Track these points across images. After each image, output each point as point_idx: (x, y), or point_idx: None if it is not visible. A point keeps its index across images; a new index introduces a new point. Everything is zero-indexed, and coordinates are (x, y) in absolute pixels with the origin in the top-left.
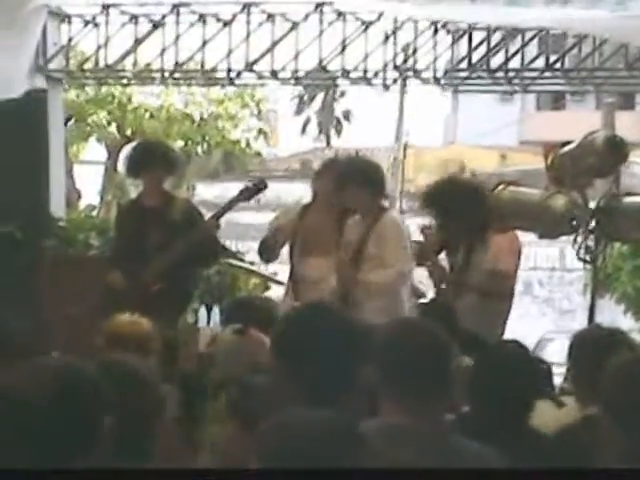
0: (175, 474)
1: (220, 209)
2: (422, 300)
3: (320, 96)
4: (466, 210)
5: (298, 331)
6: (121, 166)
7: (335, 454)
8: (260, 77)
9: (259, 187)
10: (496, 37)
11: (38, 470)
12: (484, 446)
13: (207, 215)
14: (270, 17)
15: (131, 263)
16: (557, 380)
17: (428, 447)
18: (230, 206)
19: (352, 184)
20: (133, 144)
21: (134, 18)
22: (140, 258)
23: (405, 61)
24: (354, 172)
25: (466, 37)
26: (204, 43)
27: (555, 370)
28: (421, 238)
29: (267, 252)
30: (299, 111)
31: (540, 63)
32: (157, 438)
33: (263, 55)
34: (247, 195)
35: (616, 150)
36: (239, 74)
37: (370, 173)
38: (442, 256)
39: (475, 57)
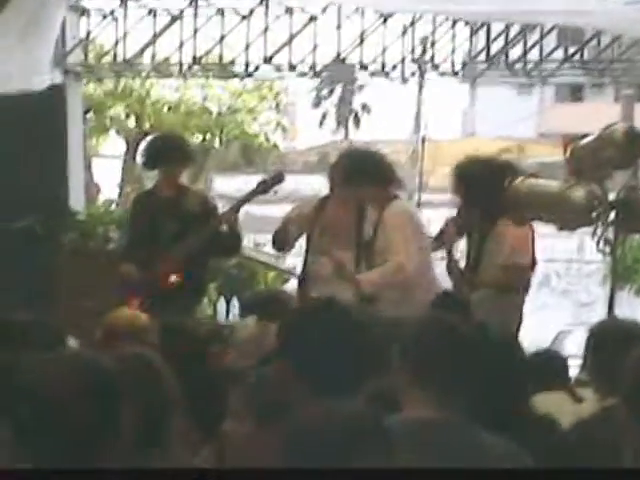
0: (175, 474)
1: (238, 201)
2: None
3: (338, 89)
4: (486, 192)
5: (304, 326)
6: (138, 158)
7: (360, 448)
8: (278, 70)
9: (276, 180)
10: (514, 29)
11: (38, 470)
12: (504, 440)
13: (225, 207)
14: (288, 10)
15: (146, 254)
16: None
17: (450, 441)
18: (248, 199)
19: (357, 178)
20: (150, 137)
21: (152, 11)
22: (155, 249)
23: (423, 54)
24: (357, 165)
25: (484, 29)
26: (222, 36)
27: (574, 363)
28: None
29: (279, 242)
30: (317, 104)
31: (559, 55)
32: (173, 432)
33: (281, 48)
34: (265, 188)
35: (635, 142)
36: (257, 67)
37: (373, 164)
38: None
39: (493, 49)
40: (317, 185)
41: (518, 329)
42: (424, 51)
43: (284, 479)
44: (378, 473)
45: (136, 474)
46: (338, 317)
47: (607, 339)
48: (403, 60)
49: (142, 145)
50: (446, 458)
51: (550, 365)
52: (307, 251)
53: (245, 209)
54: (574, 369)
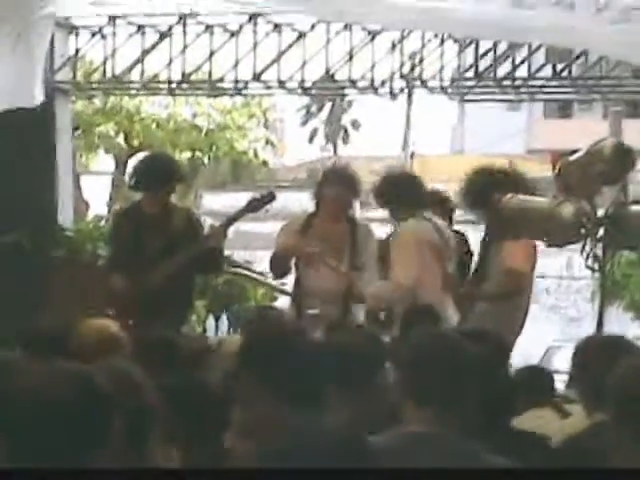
0: (175, 474)
1: (227, 219)
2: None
3: (327, 105)
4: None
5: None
6: (127, 178)
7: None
8: (267, 87)
9: (267, 199)
10: (502, 46)
11: (38, 470)
12: (500, 458)
13: (214, 224)
14: (277, 27)
15: (129, 269)
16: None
17: (446, 456)
18: (237, 217)
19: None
20: (138, 158)
21: (141, 29)
22: (138, 265)
23: (412, 70)
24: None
25: (473, 46)
26: (211, 53)
27: (563, 378)
28: None
29: (278, 270)
30: (306, 121)
31: (547, 72)
32: (153, 443)
33: (270, 65)
34: (256, 206)
35: (624, 158)
36: (246, 84)
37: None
38: None
39: (482, 66)
40: (306, 201)
41: (516, 337)
42: (413, 67)
43: (283, 479)
44: (378, 473)
45: (136, 474)
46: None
47: (594, 355)
48: (392, 76)
49: (131, 165)
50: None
51: (537, 381)
52: (298, 266)
53: (234, 226)
54: (563, 385)
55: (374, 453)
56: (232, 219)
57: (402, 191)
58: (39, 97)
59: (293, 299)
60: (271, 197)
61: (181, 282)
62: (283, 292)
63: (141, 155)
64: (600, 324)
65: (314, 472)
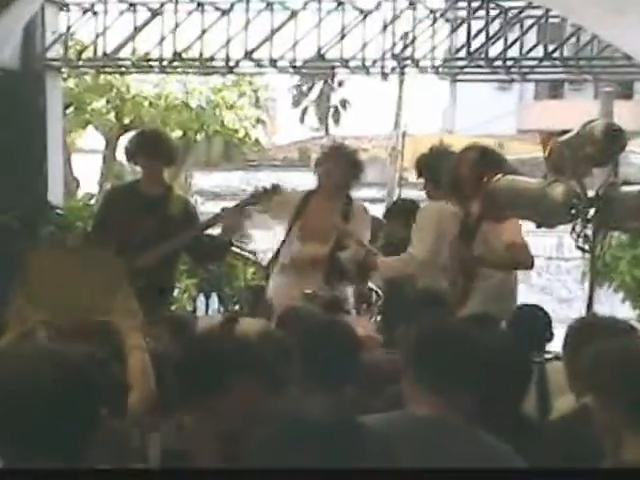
0: (175, 474)
1: (232, 208)
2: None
3: (318, 85)
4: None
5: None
6: (121, 152)
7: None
8: (259, 66)
9: (272, 191)
10: (495, 26)
11: (38, 470)
12: (501, 443)
13: (204, 204)
14: (269, 5)
15: (119, 246)
16: None
17: (448, 441)
18: (242, 206)
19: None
20: (137, 131)
21: (132, 6)
22: (129, 243)
23: (403, 50)
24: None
25: (465, 26)
26: (203, 32)
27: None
28: None
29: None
30: (297, 100)
31: (539, 52)
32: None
33: (262, 44)
34: (260, 197)
35: (614, 139)
36: (238, 63)
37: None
38: None
39: (473, 46)
40: (297, 181)
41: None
42: (404, 47)
43: (283, 479)
44: (377, 473)
45: (136, 474)
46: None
47: (584, 336)
48: (383, 56)
49: (127, 138)
50: (443, 458)
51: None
52: (286, 239)
53: (223, 205)
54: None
55: (370, 434)
56: (234, 209)
57: (438, 170)
58: (29, 74)
59: (276, 272)
60: (276, 188)
61: (170, 264)
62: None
63: (139, 129)
64: (590, 305)
65: (314, 472)
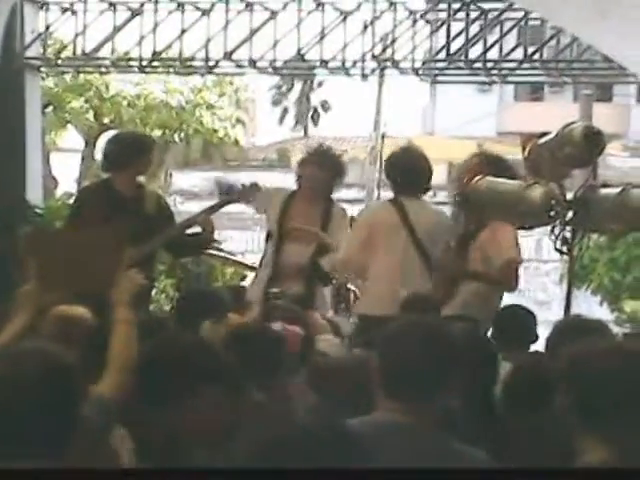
0: (175, 474)
1: (209, 207)
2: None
3: (298, 85)
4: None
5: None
6: (98, 156)
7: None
8: (238, 66)
9: (251, 190)
10: (475, 28)
11: (37, 470)
12: (473, 448)
13: (183, 203)
14: (249, 6)
15: None
16: None
17: (416, 445)
18: (220, 205)
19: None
20: (111, 136)
21: (112, 6)
22: None
23: (383, 51)
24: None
25: (445, 27)
26: (182, 32)
27: None
28: None
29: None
30: (277, 101)
31: (518, 54)
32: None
33: (241, 44)
34: (239, 196)
35: (593, 141)
36: (217, 63)
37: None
38: None
39: (453, 47)
40: (277, 181)
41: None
42: (384, 49)
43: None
44: (373, 473)
45: (136, 474)
46: None
47: (567, 336)
48: (363, 57)
49: (102, 144)
50: (411, 462)
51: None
52: (269, 241)
53: (203, 205)
54: None
55: (352, 437)
56: (214, 208)
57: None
58: (8, 73)
59: (259, 274)
60: (255, 188)
61: (148, 264)
62: (254, 269)
63: (112, 134)
64: (568, 307)
65: (313, 472)
